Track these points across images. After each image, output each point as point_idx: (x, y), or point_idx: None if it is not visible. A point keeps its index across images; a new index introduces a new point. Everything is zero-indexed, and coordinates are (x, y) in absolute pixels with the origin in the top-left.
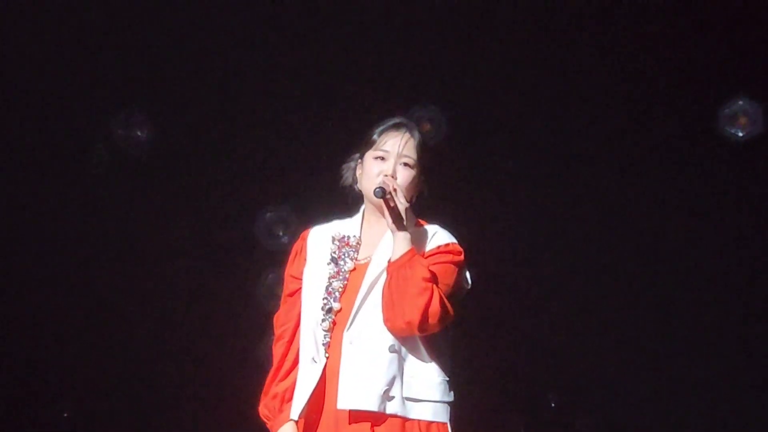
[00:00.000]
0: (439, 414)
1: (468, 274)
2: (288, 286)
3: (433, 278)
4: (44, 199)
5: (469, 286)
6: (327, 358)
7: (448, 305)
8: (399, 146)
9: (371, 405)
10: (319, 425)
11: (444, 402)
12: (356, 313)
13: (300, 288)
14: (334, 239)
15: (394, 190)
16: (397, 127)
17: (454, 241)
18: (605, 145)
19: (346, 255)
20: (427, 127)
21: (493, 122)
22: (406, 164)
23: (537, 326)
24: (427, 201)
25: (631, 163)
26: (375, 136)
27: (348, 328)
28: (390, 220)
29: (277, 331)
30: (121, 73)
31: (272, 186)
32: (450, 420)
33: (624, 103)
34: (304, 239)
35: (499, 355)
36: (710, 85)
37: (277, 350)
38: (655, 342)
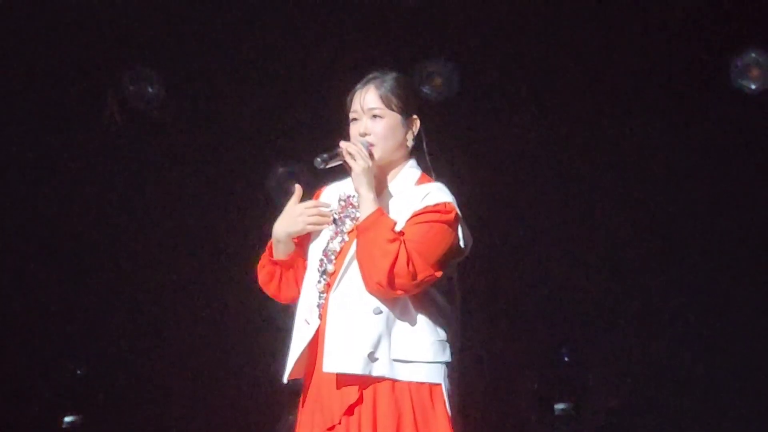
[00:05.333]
0: (432, 375)
1: (461, 233)
2: None
3: (400, 237)
4: (57, 156)
5: (464, 245)
6: (320, 320)
7: (420, 264)
8: (361, 101)
9: (355, 368)
10: (310, 390)
11: (437, 362)
12: (342, 274)
13: (305, 238)
14: (340, 198)
15: (349, 153)
16: (362, 83)
17: (448, 200)
18: (617, 98)
19: (347, 216)
20: (438, 81)
21: (502, 77)
22: (374, 116)
23: (550, 281)
24: (438, 157)
25: (643, 116)
26: (347, 100)
27: (334, 290)
28: (354, 183)
29: None
30: (132, 29)
31: (284, 142)
32: (445, 380)
33: (635, 55)
34: (317, 197)
35: (512, 309)
36: (722, 37)
37: None
38: (669, 295)
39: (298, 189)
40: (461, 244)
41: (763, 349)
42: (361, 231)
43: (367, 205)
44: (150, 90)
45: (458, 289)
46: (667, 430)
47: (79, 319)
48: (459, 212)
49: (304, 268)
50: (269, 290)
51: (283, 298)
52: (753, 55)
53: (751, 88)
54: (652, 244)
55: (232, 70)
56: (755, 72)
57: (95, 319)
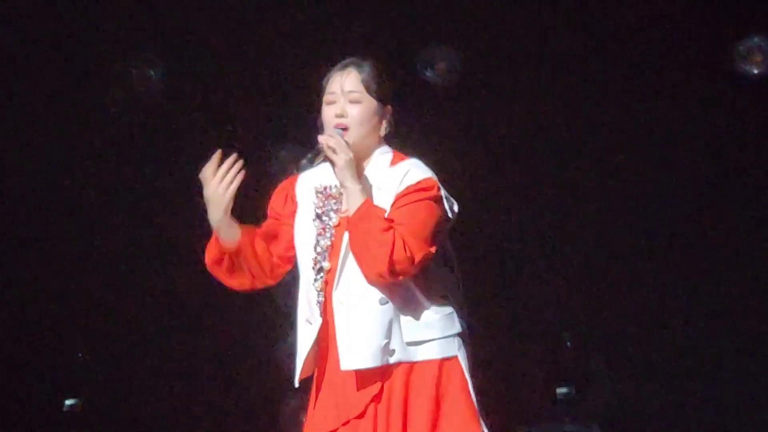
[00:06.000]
0: (446, 349)
1: (448, 206)
2: (269, 217)
3: (393, 224)
4: (59, 140)
5: (453, 218)
6: (322, 318)
7: (416, 245)
8: (341, 84)
9: (374, 362)
10: (323, 387)
11: (448, 336)
12: (341, 271)
13: (277, 226)
14: (317, 191)
15: (330, 148)
16: (341, 67)
17: (427, 176)
18: (619, 85)
19: (330, 208)
20: (441, 67)
21: (504, 63)
22: (352, 100)
23: (552, 266)
24: (437, 143)
25: (645, 101)
26: (324, 82)
27: (336, 288)
28: (338, 176)
29: None
30: (135, 13)
31: (287, 125)
32: (460, 349)
33: (637, 41)
34: (293, 186)
35: (514, 294)
36: (725, 21)
37: None
38: (671, 280)
39: (215, 157)
40: (449, 215)
41: (764, 335)
42: (353, 224)
43: (355, 197)
44: (152, 73)
45: (454, 254)
46: (669, 415)
47: (80, 303)
48: (439, 184)
49: (256, 253)
50: (217, 274)
51: (234, 285)
52: (756, 40)
53: (753, 73)
54: (653, 230)
55: (234, 54)
56: (758, 57)
57: (96, 304)
